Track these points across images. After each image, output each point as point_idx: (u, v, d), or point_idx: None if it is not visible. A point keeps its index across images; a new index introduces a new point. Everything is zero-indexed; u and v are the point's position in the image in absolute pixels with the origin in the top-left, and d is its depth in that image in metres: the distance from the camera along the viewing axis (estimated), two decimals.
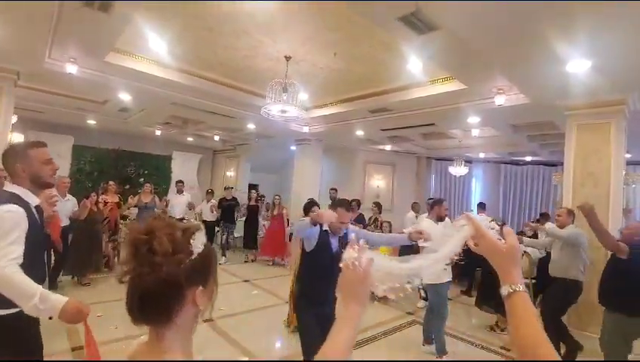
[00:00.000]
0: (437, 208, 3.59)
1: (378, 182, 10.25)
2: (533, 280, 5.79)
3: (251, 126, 7.65)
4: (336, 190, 7.71)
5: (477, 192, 10.81)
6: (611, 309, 2.82)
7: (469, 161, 9.74)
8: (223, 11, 3.52)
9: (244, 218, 8.02)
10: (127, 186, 9.71)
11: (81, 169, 9.33)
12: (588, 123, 4.14)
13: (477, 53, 3.29)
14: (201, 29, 3.92)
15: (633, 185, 7.12)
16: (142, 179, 10.38)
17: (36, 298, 1.32)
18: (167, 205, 6.69)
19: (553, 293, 3.52)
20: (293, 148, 9.60)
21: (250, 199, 7.99)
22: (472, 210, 9.94)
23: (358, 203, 6.44)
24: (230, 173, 12.45)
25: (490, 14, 2.56)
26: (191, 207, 6.92)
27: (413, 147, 9.44)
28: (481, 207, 7.24)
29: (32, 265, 1.47)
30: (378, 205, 6.68)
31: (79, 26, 3.48)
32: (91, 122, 8.53)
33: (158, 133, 9.58)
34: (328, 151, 9.92)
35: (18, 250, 1.41)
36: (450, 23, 2.80)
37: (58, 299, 1.36)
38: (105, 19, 3.25)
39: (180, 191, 7.10)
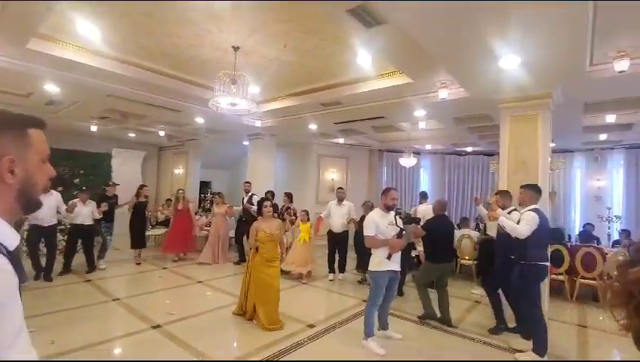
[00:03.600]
0: (384, 197, 3.51)
1: (332, 175, 10.39)
2: (475, 262, 6.26)
3: (200, 120, 7.31)
4: (250, 183, 7.51)
5: (425, 182, 11.40)
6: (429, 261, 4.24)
7: (417, 153, 10.22)
8: None
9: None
10: (61, 188, 8.81)
11: None
12: (519, 115, 4.52)
13: (421, 47, 3.42)
14: (140, 15, 3.63)
15: (557, 171, 7.96)
16: (77, 180, 9.50)
17: None
18: None
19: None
20: (246, 143, 9.36)
21: (138, 195, 6.93)
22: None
23: (273, 194, 6.87)
24: (178, 171, 11.85)
25: (431, 10, 2.67)
26: (70, 209, 5.65)
27: (366, 140, 9.69)
28: (424, 196, 7.33)
29: None
30: (289, 195, 7.07)
31: None
32: None
33: (94, 128, 8.79)
34: (282, 145, 9.83)
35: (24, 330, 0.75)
36: (395, 18, 2.87)
37: None
38: (24, 2, 2.87)
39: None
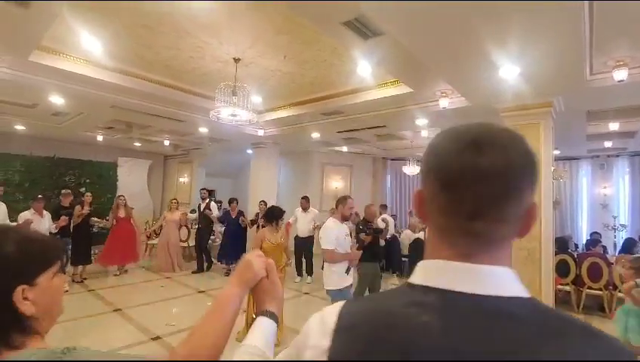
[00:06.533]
0: (341, 207, 3.29)
1: (336, 183, 10.36)
2: None
3: (203, 130, 7.36)
4: (205, 190, 7.74)
5: None
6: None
7: (421, 161, 10.17)
8: (160, 10, 3.34)
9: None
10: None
11: (8, 179, 8.40)
12: (520, 124, 4.47)
13: (420, 58, 3.43)
14: (139, 28, 3.69)
15: (561, 180, 7.85)
16: (83, 189, 9.62)
17: None
18: None
19: None
20: (249, 151, 9.41)
21: (82, 204, 6.11)
22: None
23: (236, 201, 7.36)
24: (183, 179, 11.93)
25: (428, 20, 2.67)
26: (25, 225, 4.45)
27: (369, 148, 9.67)
28: (383, 207, 8.02)
29: None
30: (264, 203, 7.19)
31: None
32: (20, 127, 7.73)
33: (99, 138, 8.92)
34: (285, 154, 9.86)
35: None
36: (392, 29, 2.88)
37: None
38: (26, 14, 2.93)
39: None
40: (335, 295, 3.14)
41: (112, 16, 3.47)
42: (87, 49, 4.11)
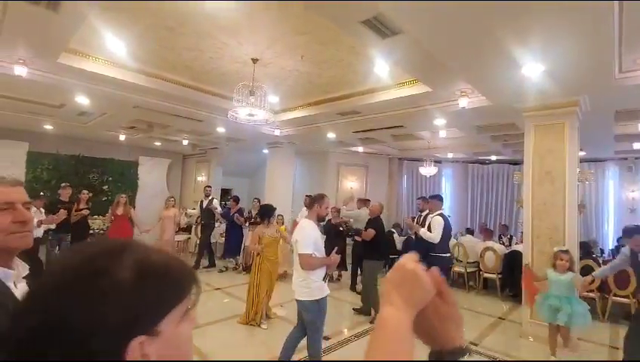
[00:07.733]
0: (317, 206, 2.98)
1: (352, 183, 10.32)
2: (500, 275, 6.02)
3: (221, 129, 7.48)
4: (210, 187, 8.02)
5: (447, 191, 11.11)
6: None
7: (438, 161, 10.01)
8: (182, 11, 3.41)
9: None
10: (91, 194, 9.29)
11: (37, 177, 8.77)
12: (544, 124, 4.34)
13: (439, 57, 3.37)
14: (161, 29, 3.78)
15: (586, 182, 7.56)
16: (106, 186, 9.97)
17: None
18: None
19: None
20: (265, 151, 9.49)
21: (79, 201, 5.96)
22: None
23: (237, 198, 7.64)
24: (201, 178, 12.13)
25: (448, 19, 2.63)
26: (52, 221, 4.68)
27: (385, 148, 9.59)
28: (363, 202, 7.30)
29: None
30: (258, 200, 7.55)
31: (27, 25, 3.26)
32: (48, 127, 8.05)
33: (122, 137, 9.18)
34: (301, 154, 9.89)
35: None
36: (411, 28, 2.85)
37: None
38: (55, 18, 3.06)
39: None
40: (312, 306, 2.78)
41: (136, 19, 3.57)
42: (112, 51, 4.24)
